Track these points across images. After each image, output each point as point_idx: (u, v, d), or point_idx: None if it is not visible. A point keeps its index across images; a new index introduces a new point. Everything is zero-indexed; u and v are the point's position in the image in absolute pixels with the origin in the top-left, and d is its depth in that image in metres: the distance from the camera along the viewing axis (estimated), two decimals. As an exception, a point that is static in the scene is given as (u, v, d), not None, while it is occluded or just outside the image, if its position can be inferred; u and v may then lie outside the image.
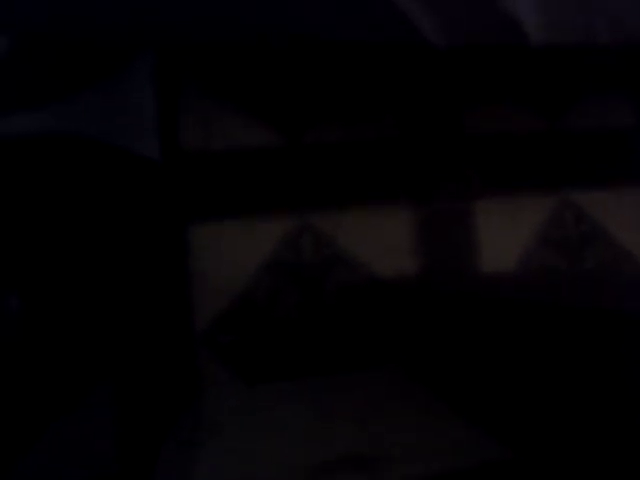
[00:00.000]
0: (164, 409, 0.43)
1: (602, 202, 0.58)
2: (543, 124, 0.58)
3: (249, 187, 0.51)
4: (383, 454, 0.27)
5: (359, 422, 0.32)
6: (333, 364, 0.48)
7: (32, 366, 0.42)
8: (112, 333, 0.46)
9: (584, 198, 0.58)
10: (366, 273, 0.52)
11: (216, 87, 0.51)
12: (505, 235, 0.56)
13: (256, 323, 0.50)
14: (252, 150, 0.51)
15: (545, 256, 0.56)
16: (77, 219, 0.47)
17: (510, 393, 0.33)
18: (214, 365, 0.48)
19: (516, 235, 0.56)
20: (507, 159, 0.57)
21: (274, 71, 0.51)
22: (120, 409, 0.43)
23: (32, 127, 0.46)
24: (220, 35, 0.41)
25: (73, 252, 0.46)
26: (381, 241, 0.53)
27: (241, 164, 0.51)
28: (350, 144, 0.53)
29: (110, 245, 0.47)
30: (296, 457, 0.28)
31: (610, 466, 0.25)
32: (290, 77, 0.51)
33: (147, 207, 0.48)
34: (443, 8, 0.32)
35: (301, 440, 0.31)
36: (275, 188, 0.51)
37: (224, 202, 0.50)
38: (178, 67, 0.50)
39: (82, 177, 0.46)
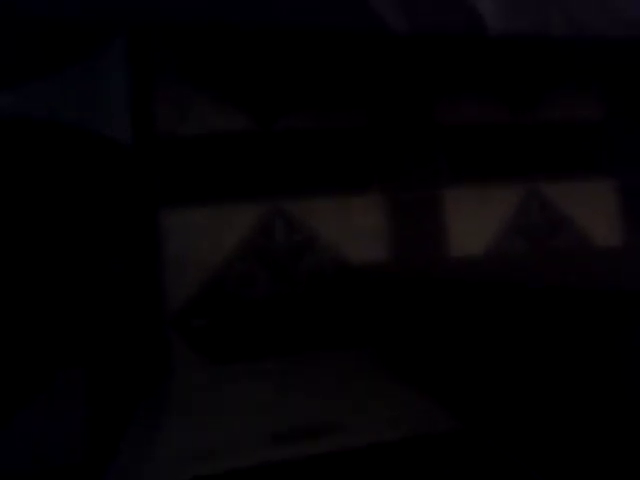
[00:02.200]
0: (133, 390, 0.44)
1: (568, 193, 0.60)
2: (512, 115, 0.59)
3: (222, 172, 0.51)
4: (338, 424, 0.28)
5: (320, 396, 0.33)
6: (302, 345, 0.49)
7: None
8: (82, 316, 0.46)
9: (551, 188, 0.60)
10: (337, 258, 0.53)
11: (190, 71, 0.51)
12: (473, 223, 0.57)
13: (228, 306, 0.50)
14: (225, 135, 0.52)
15: (512, 243, 0.58)
16: (47, 203, 0.47)
17: (470, 371, 0.34)
18: (185, 348, 0.49)
19: (484, 223, 0.57)
20: (476, 149, 0.58)
21: (246, 56, 0.51)
22: (91, 391, 0.44)
23: (6, 108, 0.45)
24: (193, 18, 0.41)
25: (40, 234, 0.46)
26: (352, 227, 0.54)
27: (214, 149, 0.51)
28: (322, 131, 0.54)
29: (81, 228, 0.47)
30: (255, 427, 0.29)
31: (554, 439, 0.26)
32: (260, 63, 0.52)
33: (118, 191, 0.48)
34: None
35: (262, 413, 0.32)
36: (248, 173, 0.52)
37: (197, 186, 0.51)
38: (151, 49, 0.50)
39: (50, 161, 0.46)
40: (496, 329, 0.36)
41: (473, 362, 0.35)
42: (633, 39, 0.46)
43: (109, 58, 0.48)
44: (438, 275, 0.52)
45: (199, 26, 0.44)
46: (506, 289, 0.38)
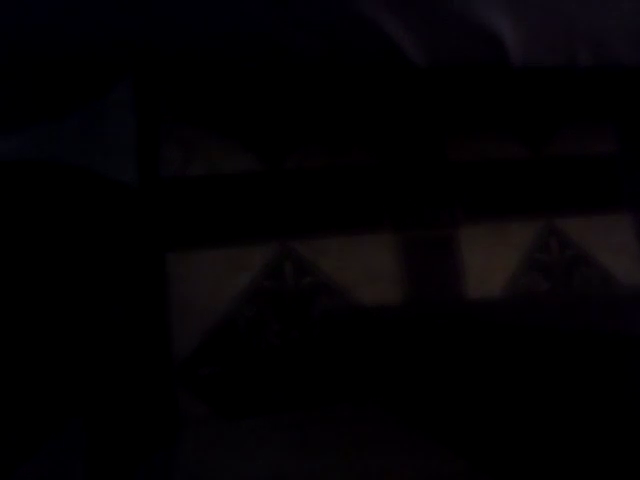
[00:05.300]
0: (138, 445, 0.41)
1: (586, 227, 0.58)
2: (527, 151, 0.58)
3: (229, 214, 0.50)
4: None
5: (339, 458, 0.30)
6: (315, 397, 0.46)
7: None
8: (84, 365, 0.44)
9: (568, 224, 0.58)
10: (349, 301, 0.51)
11: (196, 112, 0.50)
12: (490, 261, 0.55)
13: (236, 354, 0.48)
14: (232, 176, 0.50)
15: (531, 281, 0.56)
16: (51, 248, 0.45)
17: (498, 422, 0.32)
18: (193, 398, 0.46)
19: (501, 260, 0.55)
20: (491, 186, 0.57)
21: (255, 95, 0.51)
22: (91, 444, 0.41)
23: (12, 151, 0.45)
24: (199, 57, 0.41)
25: (42, 281, 0.44)
26: (365, 268, 0.52)
27: (221, 190, 0.50)
28: (332, 170, 0.52)
29: (84, 274, 0.45)
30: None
31: None
32: (271, 100, 0.51)
33: (124, 235, 0.47)
34: (425, 28, 0.32)
35: (278, 477, 0.29)
36: (256, 215, 0.50)
37: (204, 229, 0.49)
38: (157, 90, 0.49)
39: (56, 204, 0.45)
40: (511, 372, 0.34)
41: (502, 413, 0.32)
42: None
43: (113, 100, 0.48)
44: (455, 317, 0.50)
45: (205, 64, 0.43)
46: (522, 332, 0.36)
